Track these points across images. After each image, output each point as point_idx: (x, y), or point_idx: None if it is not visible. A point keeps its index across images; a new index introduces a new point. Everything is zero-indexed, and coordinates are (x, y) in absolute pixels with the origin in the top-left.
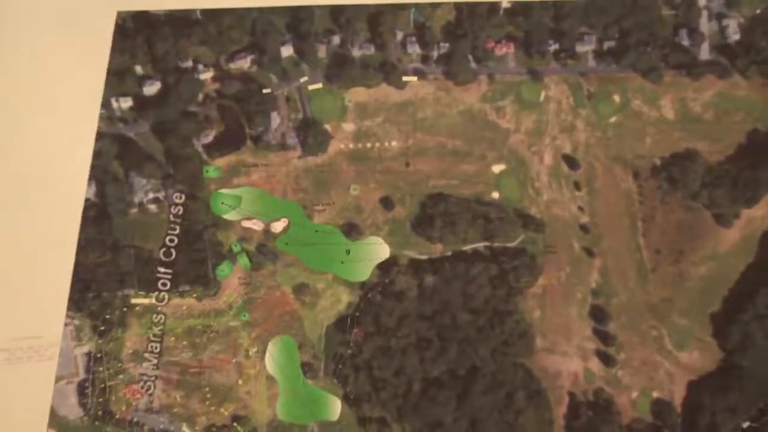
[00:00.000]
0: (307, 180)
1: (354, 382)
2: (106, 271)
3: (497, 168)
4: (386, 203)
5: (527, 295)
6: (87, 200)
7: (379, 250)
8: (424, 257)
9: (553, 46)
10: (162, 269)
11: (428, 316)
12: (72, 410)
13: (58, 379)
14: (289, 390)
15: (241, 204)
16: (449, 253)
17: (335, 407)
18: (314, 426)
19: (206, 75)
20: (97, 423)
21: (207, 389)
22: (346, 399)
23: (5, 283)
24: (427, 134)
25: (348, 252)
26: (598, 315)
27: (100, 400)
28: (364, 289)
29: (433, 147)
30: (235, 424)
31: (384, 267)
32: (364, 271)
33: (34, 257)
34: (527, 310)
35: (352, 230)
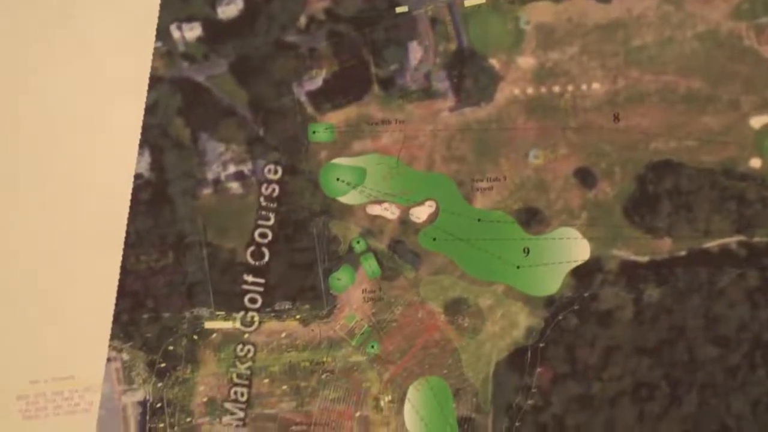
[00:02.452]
0: (464, 143)
1: None
2: (167, 280)
3: (759, 121)
4: (585, 177)
5: None
6: (138, 177)
7: (575, 248)
8: (643, 259)
9: None
10: (250, 278)
11: (651, 350)
12: None
13: None
14: None
15: (365, 180)
16: (683, 253)
17: None
18: None
19: None
20: None
21: None
22: None
23: (20, 301)
24: (648, 71)
25: (527, 252)
26: None
27: None
28: (551, 307)
29: (657, 91)
30: None
31: (582, 274)
32: (552, 281)
33: (61, 261)
34: None
35: (532, 219)
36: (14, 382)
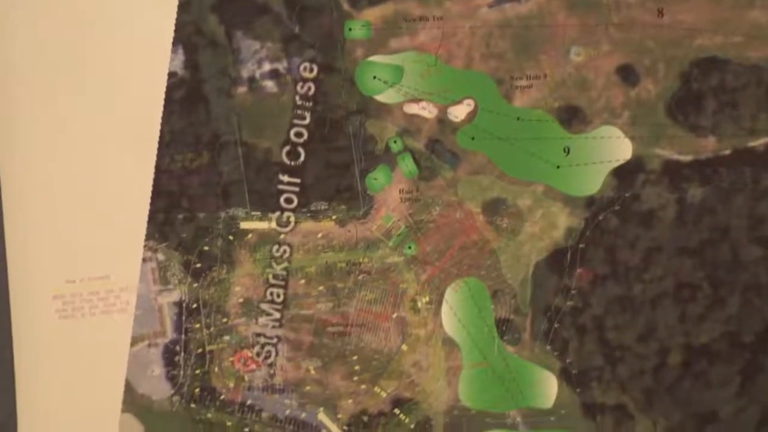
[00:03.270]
0: (503, 40)
1: (577, 351)
2: (202, 180)
3: None
4: (627, 75)
5: None
6: (171, 75)
7: (616, 147)
8: (687, 158)
9: None
10: (286, 178)
11: (693, 250)
12: (156, 387)
13: (134, 341)
14: (477, 361)
15: (402, 79)
16: (727, 152)
17: (548, 388)
18: (516, 416)
19: None
20: (193, 406)
21: (354, 358)
22: (564, 376)
23: (55, 201)
24: None
25: (567, 151)
26: None
27: (197, 372)
28: (592, 208)
29: None
30: (396, 411)
31: (624, 174)
32: (593, 181)
33: (96, 161)
34: None
35: (573, 117)
36: (50, 281)
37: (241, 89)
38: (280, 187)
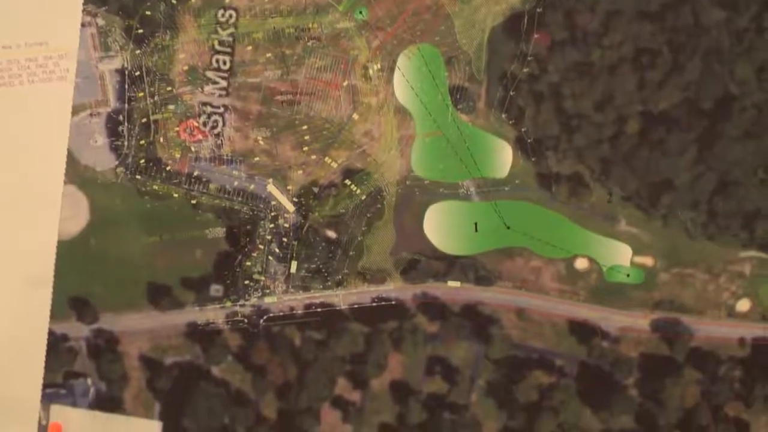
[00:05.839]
0: None
1: (533, 119)
2: None
3: None
4: None
5: None
6: None
7: None
8: None
9: None
10: None
11: (654, 14)
12: (100, 158)
13: (75, 110)
14: (430, 130)
15: None
16: None
17: (503, 158)
18: (470, 186)
19: None
20: (138, 177)
21: (304, 128)
22: (520, 145)
23: None
24: None
25: None
26: None
27: (142, 142)
28: None
29: None
30: (347, 182)
31: None
32: None
33: None
34: None
35: None
36: None
37: None
38: None
